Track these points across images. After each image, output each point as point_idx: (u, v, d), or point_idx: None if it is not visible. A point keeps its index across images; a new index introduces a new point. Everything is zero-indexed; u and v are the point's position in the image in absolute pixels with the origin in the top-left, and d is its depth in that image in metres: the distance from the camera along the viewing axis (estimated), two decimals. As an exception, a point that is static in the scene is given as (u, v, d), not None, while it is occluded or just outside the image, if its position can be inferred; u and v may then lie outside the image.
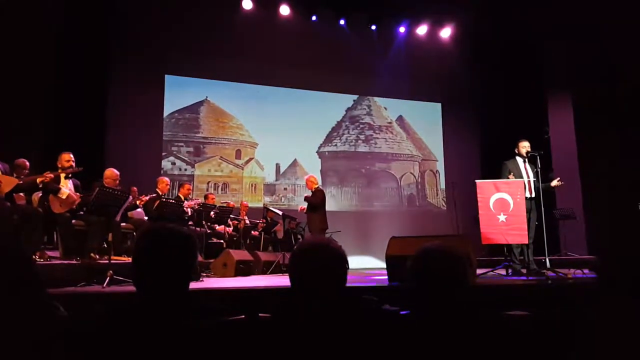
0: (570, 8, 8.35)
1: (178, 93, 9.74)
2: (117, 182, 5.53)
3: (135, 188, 6.87)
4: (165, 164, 9.48)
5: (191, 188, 6.99)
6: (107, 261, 4.34)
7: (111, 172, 5.58)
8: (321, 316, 1.48)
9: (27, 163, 5.42)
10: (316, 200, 6.99)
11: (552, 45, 9.50)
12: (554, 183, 5.33)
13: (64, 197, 4.84)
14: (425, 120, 11.56)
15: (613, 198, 7.69)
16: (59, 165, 5.10)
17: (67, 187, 4.97)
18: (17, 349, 1.41)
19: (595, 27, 8.13)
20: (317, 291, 1.51)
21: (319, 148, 10.76)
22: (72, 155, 5.16)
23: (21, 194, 4.92)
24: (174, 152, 9.62)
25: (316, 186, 7.18)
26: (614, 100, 7.88)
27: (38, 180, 4.59)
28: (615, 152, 7.82)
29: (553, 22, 8.96)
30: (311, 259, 1.55)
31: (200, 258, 6.07)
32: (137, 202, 5.74)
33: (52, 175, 4.65)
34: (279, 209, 8.34)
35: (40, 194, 4.85)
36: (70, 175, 5.07)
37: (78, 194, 5.06)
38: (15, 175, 4.67)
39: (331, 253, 1.56)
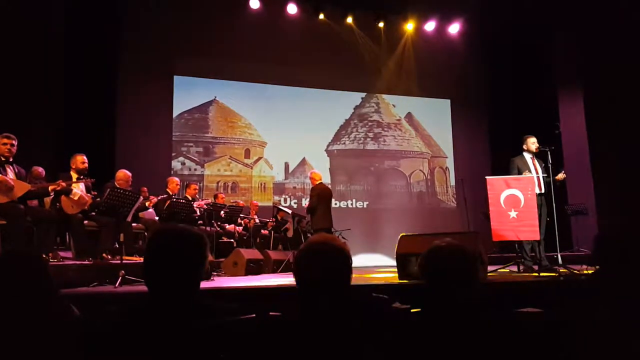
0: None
1: (187, 94, 9.79)
2: (130, 183, 5.57)
3: (145, 188, 6.92)
4: (175, 164, 9.53)
5: (197, 188, 7.00)
6: (119, 261, 4.37)
7: (124, 174, 5.63)
8: (331, 315, 1.48)
9: (43, 173, 5.46)
10: (310, 203, 6.91)
11: (562, 39, 9.39)
12: (558, 177, 5.28)
13: (75, 198, 4.89)
14: (434, 117, 11.50)
15: (625, 194, 7.60)
16: (73, 167, 5.15)
17: (78, 189, 5.01)
18: (32, 348, 1.43)
19: (606, 18, 8.03)
20: (321, 289, 1.51)
21: (328, 146, 10.75)
22: (85, 157, 5.22)
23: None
24: (184, 152, 9.67)
25: (317, 182, 7.05)
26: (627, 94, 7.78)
27: (50, 188, 4.64)
28: (627, 146, 7.72)
29: (563, 14, 8.87)
30: (313, 257, 1.55)
31: (210, 257, 6.10)
32: (147, 204, 5.76)
33: (64, 185, 4.71)
34: (288, 208, 8.36)
35: (53, 196, 4.90)
36: (82, 177, 5.12)
37: (89, 195, 5.10)
38: (30, 182, 4.72)
39: (333, 251, 1.56)
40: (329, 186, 8.40)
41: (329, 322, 1.47)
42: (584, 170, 8.69)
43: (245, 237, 7.71)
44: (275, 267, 6.64)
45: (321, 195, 6.88)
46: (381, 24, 10.64)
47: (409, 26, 10.79)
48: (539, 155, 5.39)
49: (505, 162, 5.64)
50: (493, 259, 6.34)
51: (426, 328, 1.52)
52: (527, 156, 5.42)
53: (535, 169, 5.34)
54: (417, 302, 1.64)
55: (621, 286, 1.47)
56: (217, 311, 1.51)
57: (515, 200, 5.00)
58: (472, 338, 1.45)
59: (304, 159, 10.52)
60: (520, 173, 5.29)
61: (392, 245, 4.73)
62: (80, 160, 5.17)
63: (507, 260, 5.87)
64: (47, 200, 5.06)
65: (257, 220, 8.28)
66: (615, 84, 8.01)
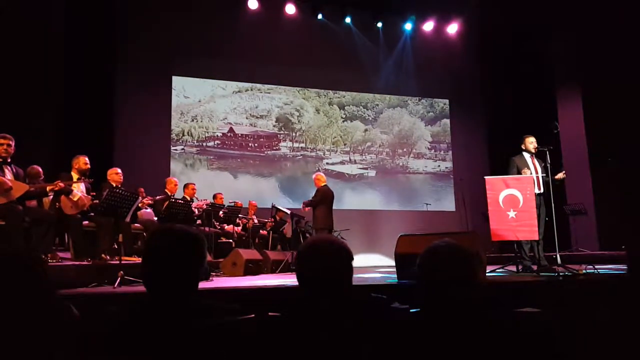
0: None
1: (185, 94, 9.79)
2: (121, 176, 5.60)
3: (142, 189, 6.91)
4: (174, 164, 9.53)
5: (196, 188, 7.03)
6: (117, 262, 4.37)
7: (113, 169, 5.71)
8: (330, 314, 1.48)
9: (41, 171, 5.47)
10: (314, 199, 7.02)
11: (561, 38, 9.41)
12: (558, 176, 5.29)
13: (75, 199, 4.88)
14: (432, 117, 11.52)
15: (624, 194, 7.61)
16: (75, 167, 5.16)
17: (78, 189, 5.01)
18: (32, 349, 1.43)
19: (605, 19, 8.04)
20: (324, 289, 1.51)
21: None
22: (87, 159, 5.23)
23: (32, 195, 4.97)
24: (180, 152, 9.67)
25: (322, 184, 7.17)
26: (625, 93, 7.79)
27: (48, 188, 4.65)
28: (626, 146, 7.73)
29: (562, 14, 8.87)
30: (317, 256, 1.55)
31: (209, 257, 6.09)
32: (140, 205, 5.73)
33: (62, 185, 4.71)
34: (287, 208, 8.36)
35: (52, 196, 4.90)
36: (81, 178, 5.13)
37: (89, 196, 5.10)
38: (28, 182, 4.71)
39: (336, 250, 1.56)
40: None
41: (328, 322, 1.47)
42: (582, 170, 8.70)
43: (244, 238, 7.70)
44: (274, 267, 6.63)
45: (324, 196, 7.02)
46: (379, 24, 10.66)
47: (408, 26, 10.80)
48: (538, 155, 5.40)
49: (504, 162, 5.65)
50: (492, 259, 6.34)
51: (425, 328, 1.52)
52: (527, 156, 5.43)
53: (535, 169, 5.35)
54: (416, 302, 1.64)
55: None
56: (215, 311, 1.51)
57: (514, 200, 5.00)
58: (470, 338, 1.45)
59: (303, 159, 10.54)
60: (519, 172, 5.30)
61: (391, 245, 4.73)
62: (83, 161, 5.19)
63: (506, 260, 5.87)
64: (47, 200, 5.06)
65: (256, 221, 8.28)
66: (614, 83, 8.02)
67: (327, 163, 10.58)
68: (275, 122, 10.39)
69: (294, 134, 10.48)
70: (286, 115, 10.44)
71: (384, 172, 10.95)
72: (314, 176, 7.45)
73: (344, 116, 10.85)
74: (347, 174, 10.67)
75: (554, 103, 9.48)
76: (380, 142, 11.05)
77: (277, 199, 9.30)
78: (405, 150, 11.21)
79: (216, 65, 9.90)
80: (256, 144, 10.21)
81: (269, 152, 10.27)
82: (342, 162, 10.71)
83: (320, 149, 10.64)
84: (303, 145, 10.53)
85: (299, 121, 10.51)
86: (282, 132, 10.41)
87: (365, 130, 10.96)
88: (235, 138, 10.06)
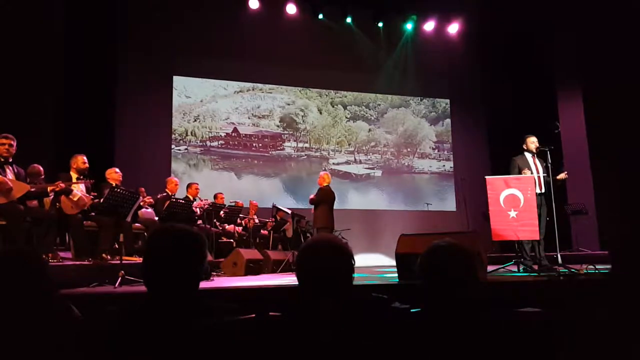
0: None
1: (186, 93, 9.79)
2: (120, 175, 5.61)
3: (142, 188, 6.92)
4: (177, 164, 9.53)
5: (199, 188, 7.03)
6: (118, 261, 4.37)
7: (112, 169, 5.74)
8: (330, 314, 1.48)
9: (42, 170, 5.49)
10: (317, 197, 7.06)
11: (562, 38, 9.40)
12: (560, 176, 5.29)
13: (75, 199, 4.89)
14: (433, 117, 11.52)
15: (624, 193, 7.60)
16: (74, 166, 5.17)
17: (78, 189, 5.02)
18: (33, 348, 1.43)
19: (606, 18, 8.03)
20: (325, 289, 1.51)
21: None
22: (86, 158, 5.24)
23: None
24: (183, 152, 9.67)
25: (325, 184, 7.19)
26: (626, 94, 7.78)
27: (49, 189, 4.65)
28: (626, 146, 7.72)
29: (562, 14, 8.87)
30: (317, 256, 1.55)
31: (210, 257, 6.09)
32: (141, 204, 5.74)
33: (63, 185, 4.72)
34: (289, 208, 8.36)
35: (52, 196, 4.90)
36: (82, 177, 5.14)
37: (89, 195, 5.11)
38: (29, 181, 4.72)
39: (336, 250, 1.56)
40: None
41: (329, 322, 1.47)
42: (583, 169, 8.69)
43: (244, 237, 7.70)
44: (275, 267, 6.63)
45: (325, 196, 7.08)
46: (380, 24, 10.66)
47: (408, 26, 10.80)
48: (539, 154, 5.41)
49: (505, 162, 5.65)
50: (493, 259, 6.34)
51: (426, 328, 1.52)
52: (528, 155, 5.44)
53: (536, 169, 5.36)
54: (417, 301, 1.64)
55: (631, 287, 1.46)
56: (216, 311, 1.51)
57: (515, 200, 5.00)
58: (471, 338, 1.45)
59: (303, 158, 10.54)
60: (520, 172, 5.30)
61: (391, 245, 4.73)
62: (81, 160, 5.20)
63: (507, 260, 5.87)
64: (47, 200, 5.06)
65: (257, 220, 8.27)
66: (614, 83, 8.02)
67: (333, 163, 10.58)
68: (279, 122, 10.39)
69: (298, 134, 10.48)
70: (290, 115, 10.44)
71: (390, 172, 10.94)
72: (320, 174, 7.48)
73: (347, 116, 10.85)
74: (354, 174, 10.68)
75: (554, 103, 9.47)
76: (385, 142, 11.05)
77: (281, 199, 9.30)
78: (409, 150, 11.20)
79: (217, 65, 9.90)
80: (260, 144, 10.21)
81: (273, 152, 10.27)
82: (347, 162, 10.71)
83: (325, 149, 10.64)
84: (307, 145, 10.52)
85: (303, 121, 10.51)
86: (286, 132, 10.41)
87: (370, 130, 10.96)
88: (240, 138, 10.06)
